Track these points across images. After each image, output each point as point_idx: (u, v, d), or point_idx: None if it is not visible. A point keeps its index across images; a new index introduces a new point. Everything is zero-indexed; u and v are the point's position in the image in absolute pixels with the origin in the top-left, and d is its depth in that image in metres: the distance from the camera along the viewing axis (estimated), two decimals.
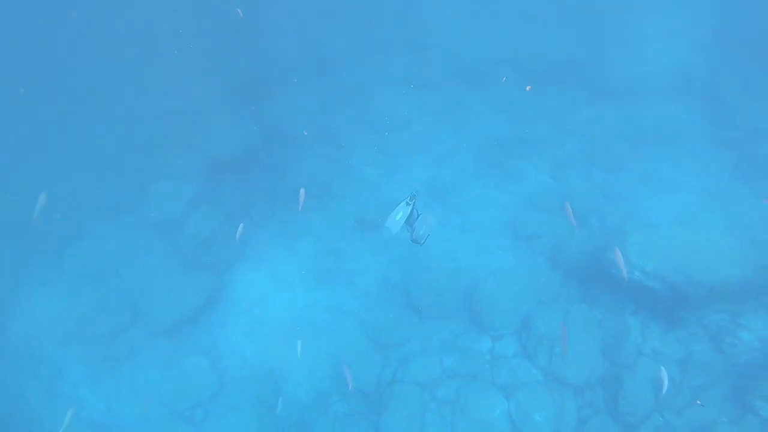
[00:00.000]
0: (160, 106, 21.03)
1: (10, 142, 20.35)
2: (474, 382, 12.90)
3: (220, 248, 16.66)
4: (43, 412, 14.26)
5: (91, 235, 17.44)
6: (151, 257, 16.74)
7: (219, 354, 14.64)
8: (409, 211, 10.38)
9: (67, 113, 21.09)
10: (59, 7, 23.26)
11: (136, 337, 15.10)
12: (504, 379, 12.85)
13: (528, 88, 15.98)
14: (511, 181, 17.70)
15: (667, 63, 20.19)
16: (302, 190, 13.78)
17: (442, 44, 22.78)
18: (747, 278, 11.93)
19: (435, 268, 15.35)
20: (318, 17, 25.23)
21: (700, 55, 19.55)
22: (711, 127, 18.26)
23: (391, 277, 15.52)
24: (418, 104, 20.47)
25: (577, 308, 13.30)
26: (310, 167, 18.22)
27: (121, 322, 15.34)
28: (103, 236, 17.45)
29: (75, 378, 14.72)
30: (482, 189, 17.54)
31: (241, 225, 14.46)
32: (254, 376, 14.10)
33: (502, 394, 12.55)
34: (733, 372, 11.58)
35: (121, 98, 21.70)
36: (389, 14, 24.97)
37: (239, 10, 19.00)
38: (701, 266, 11.95)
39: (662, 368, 11.19)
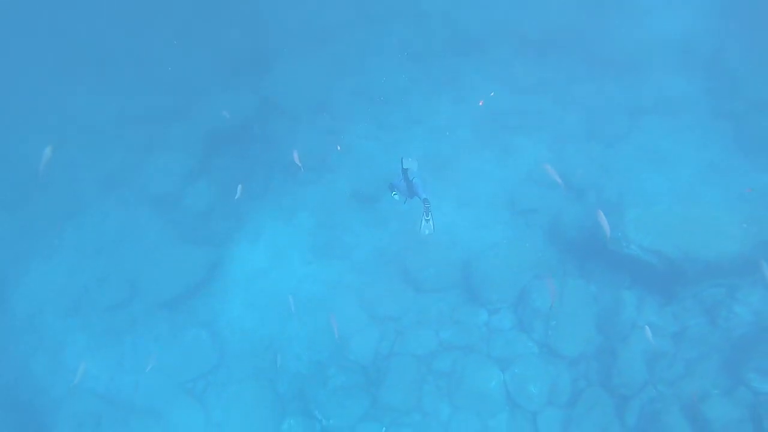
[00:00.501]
0: (156, 77, 20.84)
1: (5, 113, 20.27)
2: (470, 354, 13.08)
3: (218, 221, 16.72)
4: (48, 382, 14.54)
5: (89, 209, 17.51)
6: (149, 231, 16.81)
7: (219, 326, 14.83)
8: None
9: (62, 83, 20.84)
10: None
11: (137, 309, 15.29)
12: (500, 351, 13.03)
13: (481, 102, 15.69)
14: (509, 154, 17.57)
15: (669, 32, 19.79)
16: (295, 153, 13.89)
17: (442, 13, 22.29)
18: (745, 253, 11.87)
19: (432, 242, 15.27)
20: None
21: (703, 24, 19.17)
22: (712, 99, 17.99)
23: (388, 251, 15.57)
24: (416, 75, 20.17)
25: (573, 282, 13.37)
26: (307, 140, 18.08)
27: (122, 295, 15.51)
28: (101, 210, 17.51)
29: (78, 349, 14.96)
30: (480, 162, 17.41)
31: (240, 186, 14.46)
32: (254, 348, 14.30)
33: (498, 367, 12.74)
34: (726, 345, 11.67)
35: (117, 68, 21.46)
36: None
37: None
38: (699, 241, 11.93)
39: (646, 326, 11.36)
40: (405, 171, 10.72)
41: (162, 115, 19.10)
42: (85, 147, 18.45)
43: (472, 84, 19.86)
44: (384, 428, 12.51)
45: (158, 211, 17.05)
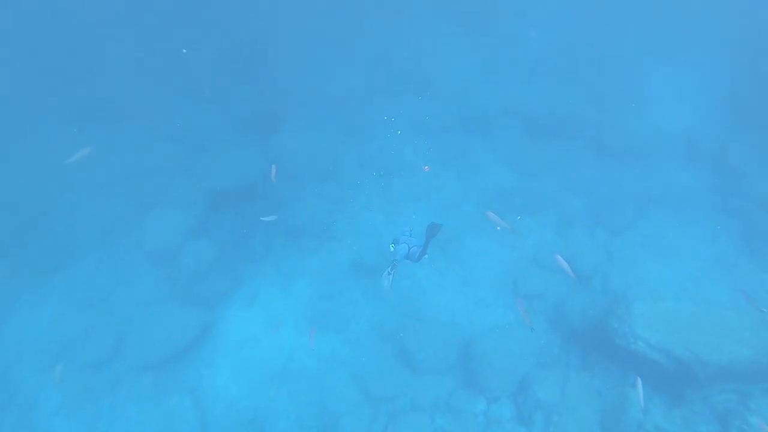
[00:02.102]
0: (164, 132, 20.95)
1: (7, 155, 20.22)
2: None
3: (213, 282, 16.26)
4: None
5: (83, 260, 17.12)
6: (143, 286, 16.36)
7: (204, 394, 14.12)
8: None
9: (69, 132, 20.86)
10: (65, 25, 23.43)
11: (120, 369, 14.61)
12: None
13: (426, 168, 15.73)
14: (515, 235, 17.42)
15: (675, 125, 20.24)
16: (273, 167, 14.04)
17: (452, 90, 22.83)
18: (757, 359, 11.48)
19: (431, 320, 14.95)
20: (329, 54, 25.43)
21: (707, 122, 19.60)
22: (718, 195, 18.10)
23: (386, 326, 15.11)
24: (423, 149, 20.34)
25: (576, 375, 12.87)
26: (311, 206, 17.95)
27: (105, 353, 14.88)
28: (96, 260, 17.13)
29: (51, 408, 14.16)
30: (484, 241, 17.23)
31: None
32: (238, 420, 13.55)
33: None
34: None
35: (126, 120, 21.63)
36: (400, 57, 25.18)
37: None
38: (710, 343, 11.53)
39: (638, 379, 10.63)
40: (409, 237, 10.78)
41: (167, 171, 19.04)
42: (86, 197, 18.28)
43: (479, 161, 19.99)
44: None
45: (154, 266, 16.65)
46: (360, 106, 22.22)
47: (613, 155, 19.47)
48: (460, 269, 16.54)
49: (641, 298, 12.77)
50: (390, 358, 14.29)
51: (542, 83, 22.40)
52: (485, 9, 27.19)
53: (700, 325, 11.89)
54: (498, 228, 12.08)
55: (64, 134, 20.40)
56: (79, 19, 24.72)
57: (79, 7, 24.89)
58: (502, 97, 21.95)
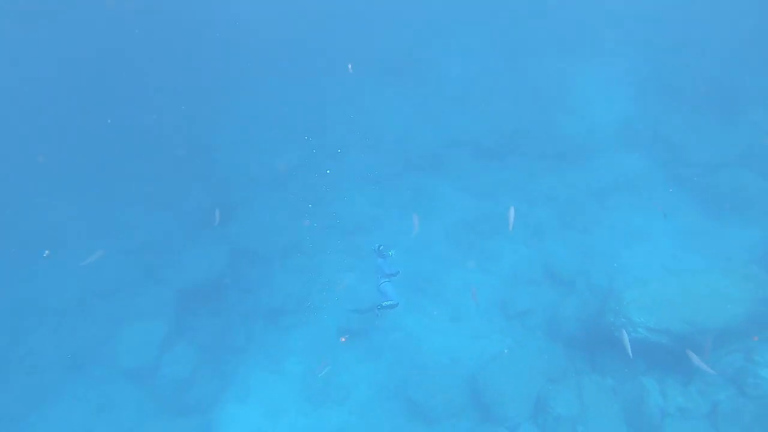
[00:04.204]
0: (117, 247, 20.33)
1: None
2: None
3: (201, 386, 15.48)
4: None
5: (55, 395, 16.04)
6: (127, 409, 15.39)
7: None
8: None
9: (16, 265, 19.99)
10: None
11: None
12: None
13: (343, 339, 16.01)
14: (490, 259, 17.43)
15: (612, 117, 20.98)
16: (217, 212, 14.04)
17: (394, 136, 23.14)
18: (750, 313, 11.65)
19: (432, 365, 14.58)
20: (267, 132, 25.52)
21: (640, 107, 20.39)
22: (666, 170, 18.66)
23: (388, 384, 14.63)
24: (381, 200, 20.40)
25: (589, 380, 12.61)
26: (284, 283, 17.58)
27: None
28: (69, 394, 16.07)
29: None
30: (463, 273, 17.16)
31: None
32: None
33: None
34: (765, 415, 10.90)
35: (74, 241, 20.89)
36: (336, 115, 25.45)
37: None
38: (703, 311, 11.61)
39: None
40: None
41: (129, 285, 18.34)
42: (45, 331, 17.33)
43: (437, 197, 20.12)
44: None
45: (134, 385, 15.75)
46: (309, 174, 22.22)
47: (562, 159, 19.95)
48: (446, 307, 16.35)
49: (628, 287, 12.79)
50: (400, 415, 13.77)
51: (479, 109, 22.96)
52: (407, 55, 28.05)
53: (690, 296, 11.98)
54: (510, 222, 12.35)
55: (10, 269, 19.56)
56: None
57: None
58: (442, 131, 22.37)
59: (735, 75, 20.26)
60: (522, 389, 12.98)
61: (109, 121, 24.17)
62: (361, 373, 15.10)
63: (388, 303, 13.21)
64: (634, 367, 12.30)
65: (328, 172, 20.94)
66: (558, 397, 12.43)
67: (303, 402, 14.73)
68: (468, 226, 18.73)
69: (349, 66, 18.12)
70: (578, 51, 25.27)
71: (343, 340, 13.91)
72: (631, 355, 10.58)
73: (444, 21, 29.13)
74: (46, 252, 17.34)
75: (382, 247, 13.32)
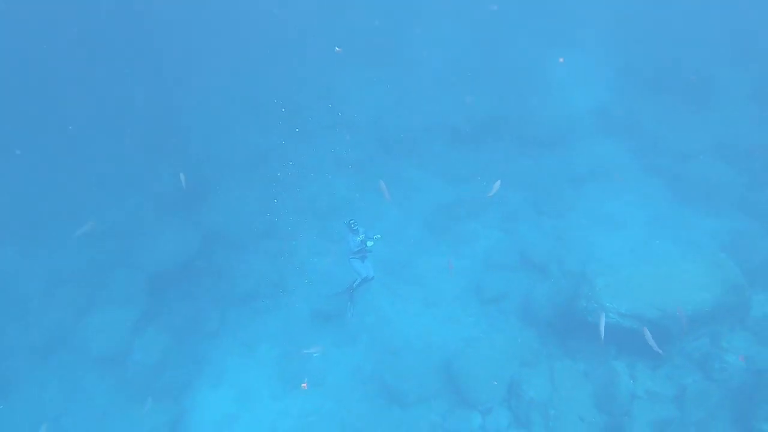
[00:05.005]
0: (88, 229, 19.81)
1: None
2: None
3: (174, 371, 15.27)
4: None
5: (23, 384, 15.64)
6: (97, 396, 15.10)
7: None
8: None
9: None
10: None
11: None
12: None
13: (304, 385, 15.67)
14: (464, 244, 17.49)
15: (585, 104, 21.13)
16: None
17: (368, 120, 22.93)
18: (718, 300, 11.99)
19: (406, 349, 14.64)
20: (239, 112, 25.03)
21: (614, 95, 20.57)
22: (640, 158, 18.93)
23: (363, 368, 14.64)
24: (356, 183, 20.21)
25: (561, 364, 12.81)
26: (257, 266, 17.38)
27: None
28: (37, 382, 15.69)
29: None
30: (437, 257, 17.16)
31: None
32: None
33: None
34: (729, 399, 11.25)
35: (42, 225, 20.28)
36: (310, 98, 25.09)
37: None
38: (674, 297, 11.84)
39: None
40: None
41: (97, 269, 17.87)
42: (12, 316, 16.83)
43: (413, 182, 20.06)
44: None
45: (105, 372, 15.44)
46: (282, 156, 21.89)
47: (538, 145, 20.07)
48: (421, 291, 16.37)
49: (601, 273, 12.95)
50: (375, 399, 13.79)
51: (454, 94, 22.84)
52: (383, 39, 27.74)
53: (661, 282, 12.22)
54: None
55: None
56: None
57: None
58: (419, 115, 22.25)
59: (709, 65, 20.57)
60: (495, 373, 13.11)
61: (77, 99, 23.46)
62: (336, 356, 15.05)
63: (359, 281, 13.43)
64: (605, 352, 12.53)
65: (291, 163, 20.63)
66: (530, 381, 12.58)
67: (276, 386, 14.64)
68: (443, 211, 18.74)
69: (337, 48, 17.79)
70: (556, 38, 25.34)
71: (305, 386, 13.85)
72: (602, 338, 10.75)
73: (423, 5, 28.85)
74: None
75: (352, 222, 13.07)
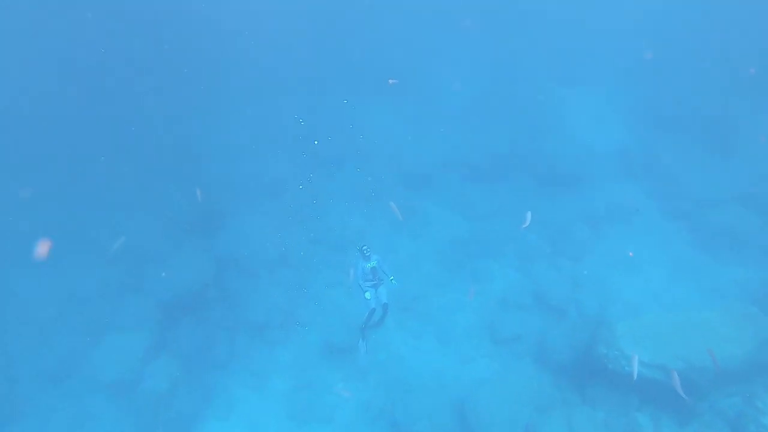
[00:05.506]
0: (98, 254, 19.79)
1: None
2: None
3: (182, 401, 15.03)
4: None
5: (31, 409, 15.45)
6: (106, 424, 14.88)
7: None
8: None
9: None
10: None
11: None
12: None
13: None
14: (479, 282, 17.28)
15: (605, 145, 21.04)
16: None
17: (387, 154, 22.96)
18: (750, 355, 11.55)
19: (418, 387, 14.36)
20: (259, 140, 25.20)
21: (635, 135, 20.46)
22: (660, 202, 18.73)
23: (373, 405, 14.33)
24: (372, 216, 20.16)
25: (579, 411, 12.41)
26: (270, 296, 17.25)
27: None
28: (46, 408, 15.51)
29: None
30: (451, 294, 16.99)
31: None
32: None
33: None
34: None
35: (58, 249, 20.30)
36: (330, 129, 25.25)
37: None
38: (699, 348, 11.44)
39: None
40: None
41: (110, 295, 17.78)
42: (24, 340, 16.73)
43: (429, 216, 19.97)
44: None
45: (114, 399, 15.24)
46: (299, 186, 21.94)
47: (555, 184, 19.94)
48: (434, 328, 16.16)
49: (621, 318, 12.74)
50: None
51: (472, 131, 22.89)
52: (403, 74, 27.97)
53: (685, 332, 11.89)
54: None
55: None
56: None
57: None
58: (437, 150, 22.28)
59: (735, 111, 20.41)
60: (510, 417, 12.77)
61: (95, 122, 23.68)
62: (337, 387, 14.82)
63: (367, 315, 12.86)
64: (627, 402, 12.14)
65: (300, 187, 20.66)
66: (546, 428, 12.21)
67: (286, 421, 14.37)
68: (458, 247, 18.60)
69: (391, 81, 17.70)
70: (575, 78, 25.40)
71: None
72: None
73: (444, 42, 29.15)
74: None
75: (365, 247, 12.57)
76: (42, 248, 16.65)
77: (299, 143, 23.02)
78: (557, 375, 13.78)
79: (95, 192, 22.12)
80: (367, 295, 12.38)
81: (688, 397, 10.49)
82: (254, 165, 23.37)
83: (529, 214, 13.15)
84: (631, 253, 16.01)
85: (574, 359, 13.56)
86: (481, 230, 18.94)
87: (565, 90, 24.73)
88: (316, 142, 22.16)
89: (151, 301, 17.08)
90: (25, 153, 22.55)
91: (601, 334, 12.61)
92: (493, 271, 17.63)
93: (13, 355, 16.29)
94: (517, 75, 26.61)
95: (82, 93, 25.01)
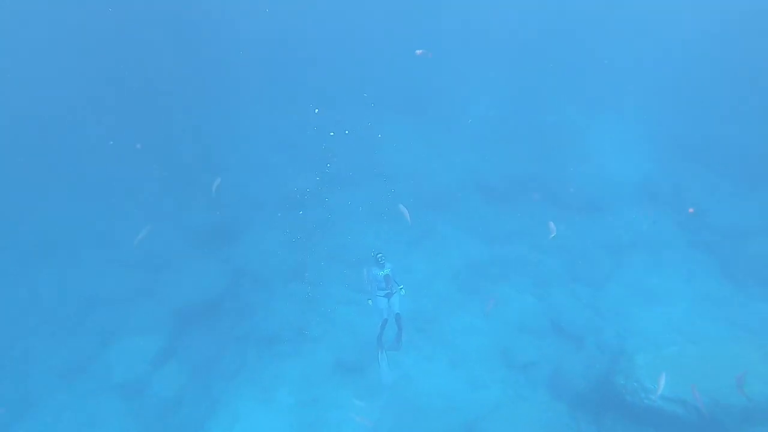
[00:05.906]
0: (116, 258, 19.91)
1: None
2: None
3: (188, 409, 14.89)
4: None
5: (42, 405, 15.41)
6: (113, 424, 14.75)
7: None
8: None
9: (20, 270, 19.62)
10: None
11: None
12: None
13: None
14: (495, 305, 16.91)
15: (628, 172, 20.70)
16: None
17: (405, 172, 22.86)
18: None
19: (427, 409, 13.97)
20: (279, 152, 25.34)
21: (659, 163, 20.11)
22: (685, 233, 18.27)
23: (381, 426, 13.94)
24: (388, 235, 19.99)
25: None
26: (282, 310, 17.08)
27: None
28: (56, 404, 15.46)
29: None
30: (466, 317, 16.67)
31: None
32: None
33: None
34: None
35: (79, 251, 20.51)
36: (351, 146, 25.27)
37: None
38: (725, 384, 10.93)
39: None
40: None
41: (125, 298, 17.87)
42: (42, 337, 16.84)
43: (445, 238, 19.75)
44: None
45: (122, 401, 15.13)
46: (318, 201, 21.90)
47: (576, 210, 19.63)
48: (446, 350, 15.80)
49: (641, 349, 12.29)
50: None
51: (492, 152, 22.77)
52: (423, 94, 28.07)
53: (709, 366, 11.42)
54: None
55: (22, 272, 19.15)
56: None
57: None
58: (455, 171, 22.14)
59: (764, 140, 19.94)
60: None
61: (116, 129, 24.07)
62: (355, 410, 14.45)
63: (380, 329, 12.44)
64: None
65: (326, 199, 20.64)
66: None
67: None
68: (474, 269, 18.32)
69: (418, 52, 17.25)
70: (598, 104, 25.19)
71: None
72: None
73: (466, 63, 29.25)
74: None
75: (380, 255, 12.26)
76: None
77: (322, 156, 23.13)
78: (573, 404, 13.33)
79: (117, 198, 22.44)
80: (370, 302, 12.27)
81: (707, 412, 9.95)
82: (272, 178, 23.47)
83: (552, 224, 12.87)
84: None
85: (590, 389, 13.13)
86: (498, 253, 18.64)
87: (590, 117, 24.52)
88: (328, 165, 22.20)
89: (166, 307, 17.13)
90: (50, 159, 23.06)
91: (619, 364, 12.22)
92: (509, 294, 17.28)
93: (29, 351, 16.38)
94: (541, 101, 26.50)
95: (108, 101, 25.56)
